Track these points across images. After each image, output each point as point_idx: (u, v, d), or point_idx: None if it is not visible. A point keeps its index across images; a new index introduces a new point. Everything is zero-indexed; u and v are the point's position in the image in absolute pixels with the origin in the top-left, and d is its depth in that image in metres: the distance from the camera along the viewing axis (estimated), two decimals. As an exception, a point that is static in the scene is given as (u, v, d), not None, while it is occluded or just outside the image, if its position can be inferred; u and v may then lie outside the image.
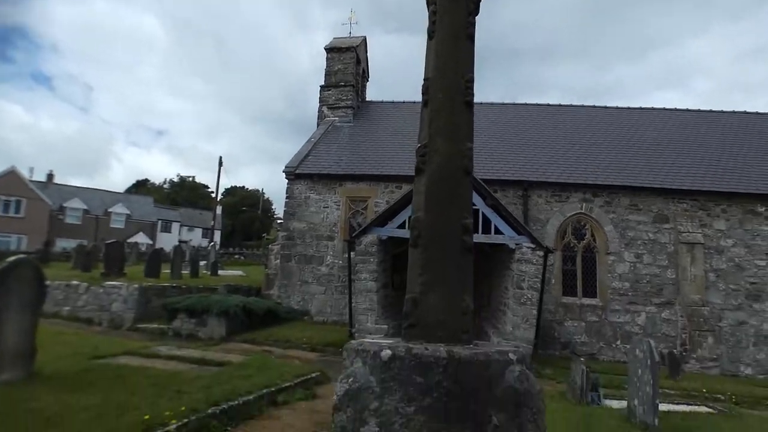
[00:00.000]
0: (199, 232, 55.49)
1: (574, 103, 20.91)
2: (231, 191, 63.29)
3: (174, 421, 4.38)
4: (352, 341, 2.39)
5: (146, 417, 4.24)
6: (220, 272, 21.62)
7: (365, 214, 14.76)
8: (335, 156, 16.07)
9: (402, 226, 10.72)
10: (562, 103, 20.13)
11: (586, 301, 13.67)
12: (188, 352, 9.14)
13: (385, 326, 10.24)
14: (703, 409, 6.80)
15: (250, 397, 5.54)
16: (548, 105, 19.78)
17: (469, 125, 2.56)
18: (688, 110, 19.27)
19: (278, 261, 15.28)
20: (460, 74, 2.53)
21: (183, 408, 4.59)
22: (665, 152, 15.79)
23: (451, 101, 2.51)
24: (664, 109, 19.29)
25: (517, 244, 10.63)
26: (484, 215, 10.78)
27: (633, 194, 13.98)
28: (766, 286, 13.02)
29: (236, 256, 35.77)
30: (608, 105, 19.59)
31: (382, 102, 20.81)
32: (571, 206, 14.17)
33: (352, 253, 11.17)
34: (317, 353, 9.86)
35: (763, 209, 13.43)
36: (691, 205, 13.74)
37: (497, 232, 10.84)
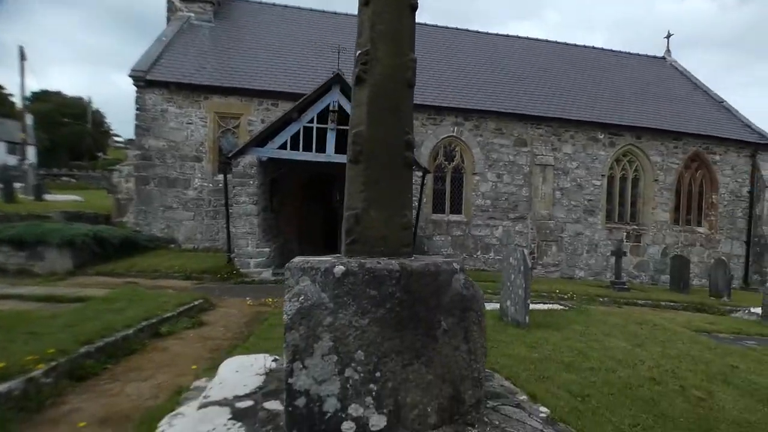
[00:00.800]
0: (1, 147, 45.25)
1: (449, 25, 21.27)
2: (42, 96, 51.97)
3: (41, 366, 3.89)
4: (294, 259, 2.35)
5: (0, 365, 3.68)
6: (47, 197, 18.56)
7: (237, 133, 13.74)
8: (196, 62, 14.22)
9: (283, 146, 10.28)
10: (438, 24, 20.52)
11: (453, 217, 15.17)
12: (29, 290, 7.99)
13: (267, 249, 10.11)
14: (557, 306, 8.36)
15: (129, 332, 5.15)
16: (424, 24, 19.88)
17: (412, 32, 2.49)
18: (547, 41, 21.28)
19: (131, 184, 13.61)
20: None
21: (52, 350, 4.08)
22: (526, 80, 17.42)
23: (396, 1, 2.39)
24: (526, 38, 21.05)
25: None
26: (368, 135, 10.85)
27: (498, 119, 15.35)
28: (599, 202, 15.92)
29: (65, 179, 30.88)
30: (479, 30, 20.58)
31: (249, 1, 18.69)
32: (444, 129, 15.06)
33: (228, 175, 10.46)
34: (193, 281, 9.40)
35: (602, 136, 15.98)
36: (545, 130, 15.67)
37: (381, 152, 11.08)
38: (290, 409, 2.03)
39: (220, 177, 13.12)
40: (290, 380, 2.03)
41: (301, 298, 2.07)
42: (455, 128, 15.08)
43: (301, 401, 2.03)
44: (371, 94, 2.38)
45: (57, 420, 3.38)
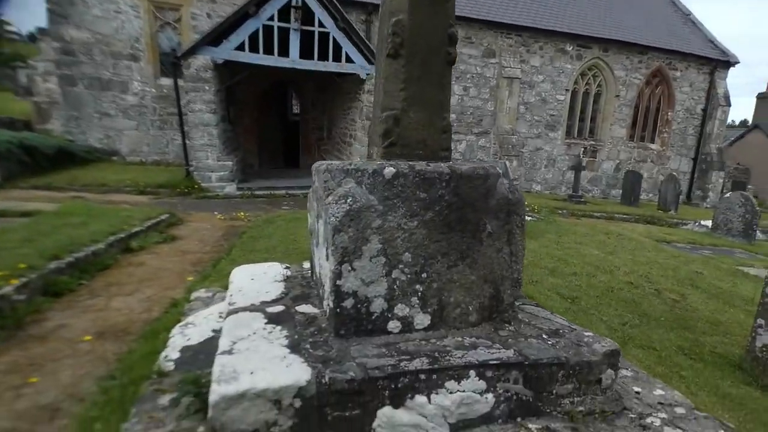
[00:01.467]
0: None
1: None
2: None
3: (14, 281, 3.68)
4: (322, 162, 2.28)
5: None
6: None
7: (179, 29, 12.46)
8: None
9: (241, 47, 9.46)
10: None
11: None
12: (-42, 205, 7.31)
13: (229, 163, 9.68)
14: (527, 217, 8.80)
15: (100, 246, 4.93)
16: None
17: None
18: None
19: (52, 85, 12.20)
20: None
21: (22, 266, 3.85)
22: None
23: None
24: None
25: (368, 74, 10.62)
26: (335, 40, 10.20)
27: (468, 26, 14.81)
28: (561, 117, 16.28)
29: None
30: None
31: None
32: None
33: (179, 79, 9.61)
34: (150, 196, 8.94)
35: (571, 48, 15.94)
36: (515, 41, 15.39)
37: (348, 60, 10.53)
38: (338, 310, 2.06)
39: (165, 81, 12.14)
40: (338, 282, 2.03)
41: (349, 200, 2.02)
42: (422, 34, 14.45)
43: (348, 302, 2.06)
44: (413, -25, 2.18)
45: (44, 336, 3.27)
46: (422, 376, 1.88)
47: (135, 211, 6.66)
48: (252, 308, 2.43)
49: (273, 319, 2.28)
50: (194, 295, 3.58)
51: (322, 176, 2.22)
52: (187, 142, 9.98)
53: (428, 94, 2.31)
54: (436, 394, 1.90)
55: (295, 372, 1.78)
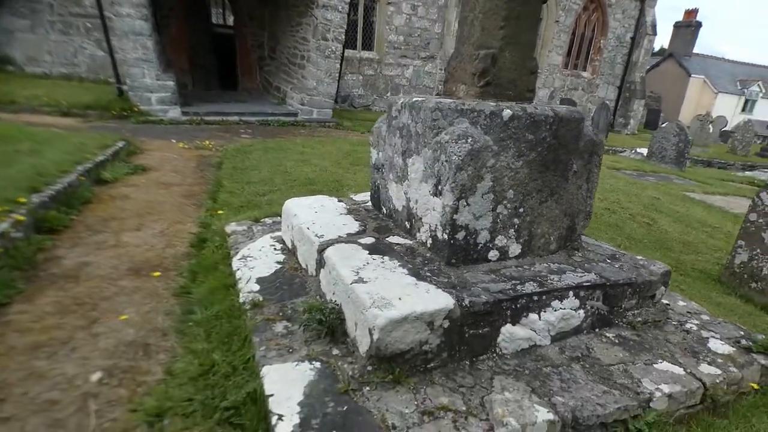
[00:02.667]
0: None
1: None
2: None
3: (4, 219, 3.47)
4: (442, 99, 2.45)
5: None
6: None
7: None
8: None
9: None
10: None
11: (365, 54, 14.84)
12: None
13: (171, 83, 8.95)
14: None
15: (72, 177, 4.65)
16: None
17: None
18: None
19: None
20: None
21: (7, 201, 3.61)
22: None
23: None
24: None
25: (321, -16, 10.11)
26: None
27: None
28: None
29: None
30: None
31: None
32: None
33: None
34: (77, 119, 8.14)
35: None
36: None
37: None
38: (452, 241, 2.35)
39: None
40: (455, 216, 2.31)
41: (469, 140, 2.24)
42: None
43: (461, 234, 2.36)
44: None
45: (74, 276, 3.21)
46: (535, 298, 2.28)
47: (84, 137, 6.17)
48: (345, 240, 2.64)
49: (373, 251, 2.51)
50: (229, 228, 3.65)
51: (430, 114, 2.41)
52: (116, 55, 9.05)
53: (524, 33, 2.53)
54: (545, 312, 2.32)
55: (440, 298, 2.08)
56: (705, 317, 2.90)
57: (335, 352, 2.19)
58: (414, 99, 2.59)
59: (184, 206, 4.58)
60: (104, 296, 2.97)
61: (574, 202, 2.68)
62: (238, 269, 2.97)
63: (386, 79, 15.25)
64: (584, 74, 19.23)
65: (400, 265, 2.36)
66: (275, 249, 3.27)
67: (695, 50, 31.22)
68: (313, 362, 2.08)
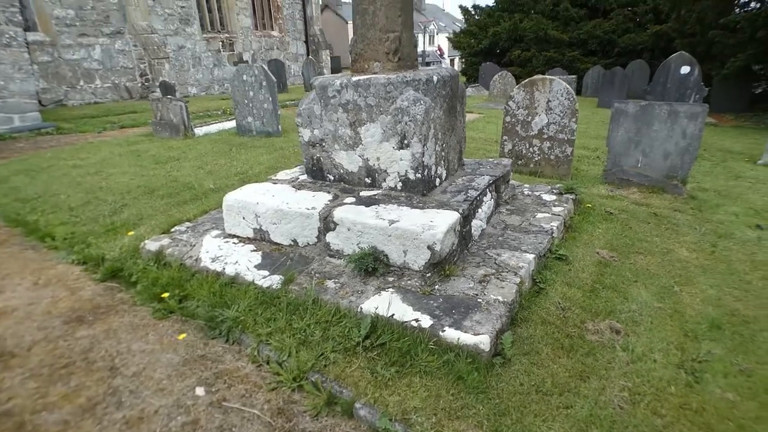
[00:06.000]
0: None
1: None
2: None
3: None
4: (390, 75, 3.23)
5: None
6: None
7: None
8: None
9: None
10: None
11: (30, 36, 12.41)
12: None
13: None
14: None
15: None
16: None
17: None
18: None
19: None
20: None
21: None
22: None
23: None
24: None
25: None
26: None
27: None
28: (192, 9, 16.26)
29: None
30: None
31: None
32: None
33: None
34: None
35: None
36: None
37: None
38: (422, 178, 3.30)
39: None
40: (423, 159, 3.24)
41: (422, 102, 3.16)
42: None
43: (426, 172, 3.32)
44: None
45: None
46: (478, 198, 3.46)
47: None
48: (336, 204, 3.24)
49: (367, 203, 3.23)
50: (152, 246, 3.56)
51: (383, 88, 3.19)
52: None
53: (410, 18, 3.48)
54: (482, 206, 3.55)
55: (452, 213, 3.05)
56: (525, 185, 4.66)
57: (390, 279, 2.93)
58: (354, 78, 3.28)
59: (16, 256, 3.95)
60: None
61: (460, 132, 3.91)
62: (223, 269, 3.18)
63: (72, 65, 13.16)
64: (274, 33, 20.43)
65: (398, 205, 3.18)
66: (235, 243, 3.51)
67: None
68: (385, 290, 2.78)
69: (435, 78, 3.30)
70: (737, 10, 12.48)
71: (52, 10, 12.71)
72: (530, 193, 4.46)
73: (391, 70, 3.46)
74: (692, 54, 11.69)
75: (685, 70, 9.61)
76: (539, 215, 3.88)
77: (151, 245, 3.61)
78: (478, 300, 2.65)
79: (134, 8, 14.31)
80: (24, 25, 9.08)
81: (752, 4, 12.09)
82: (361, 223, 3.00)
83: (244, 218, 3.51)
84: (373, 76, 3.31)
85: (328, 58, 22.64)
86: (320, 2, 22.26)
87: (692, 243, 3.83)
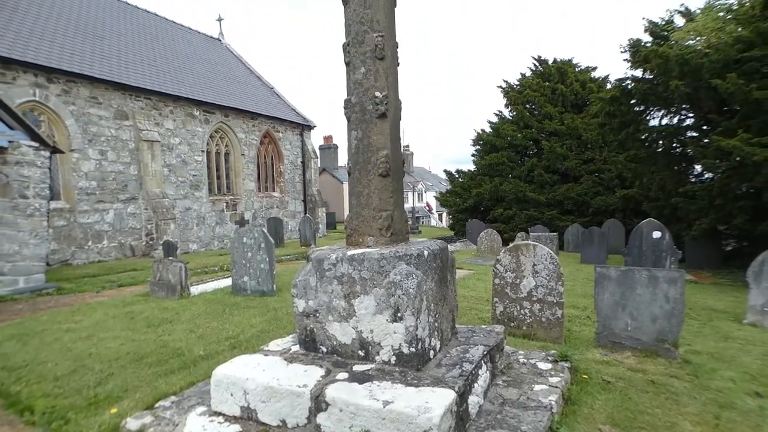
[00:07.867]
0: None
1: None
2: None
3: None
4: (383, 250, 3.30)
5: None
6: None
7: None
8: None
9: None
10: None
11: (53, 204, 13.00)
12: None
13: None
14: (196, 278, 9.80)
15: None
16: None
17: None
18: (147, 12, 20.46)
19: None
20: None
21: None
22: (127, 47, 16.50)
23: (396, 56, 3.65)
24: (128, 4, 19.66)
25: (11, 142, 8.85)
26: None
27: (93, 86, 14.05)
28: (202, 176, 17.47)
29: None
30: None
31: None
32: (21, 91, 12.42)
33: None
34: None
35: (198, 113, 17.44)
36: (146, 103, 15.62)
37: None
38: (417, 352, 3.17)
39: None
40: (416, 333, 3.15)
41: (414, 276, 3.17)
42: (37, 91, 12.70)
43: (420, 345, 3.20)
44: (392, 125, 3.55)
45: None
46: (473, 372, 3.30)
47: None
48: (328, 382, 3.05)
49: (361, 380, 3.05)
50: (134, 424, 3.25)
51: (377, 262, 3.23)
52: None
53: (401, 198, 3.68)
54: (478, 380, 3.36)
55: (446, 393, 2.86)
56: (520, 352, 4.49)
57: None
58: (350, 252, 3.34)
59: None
60: None
61: (451, 301, 3.88)
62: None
63: (83, 228, 13.60)
64: (275, 194, 21.74)
65: (392, 382, 3.00)
66: (220, 422, 3.22)
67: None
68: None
69: (425, 252, 3.37)
70: (693, 179, 13.51)
71: (77, 182, 13.53)
72: (525, 361, 4.28)
73: (384, 245, 3.54)
74: (660, 216, 12.34)
75: (656, 234, 10.05)
76: (536, 387, 3.66)
77: (132, 424, 3.31)
78: (482, 497, 2.34)
79: (151, 177, 15.29)
80: (49, 197, 9.53)
81: (706, 175, 13.10)
82: (354, 404, 2.79)
83: (231, 395, 3.27)
84: (367, 250, 3.38)
85: (324, 214, 23.77)
86: (318, 167, 24.09)
87: (694, 414, 3.57)
